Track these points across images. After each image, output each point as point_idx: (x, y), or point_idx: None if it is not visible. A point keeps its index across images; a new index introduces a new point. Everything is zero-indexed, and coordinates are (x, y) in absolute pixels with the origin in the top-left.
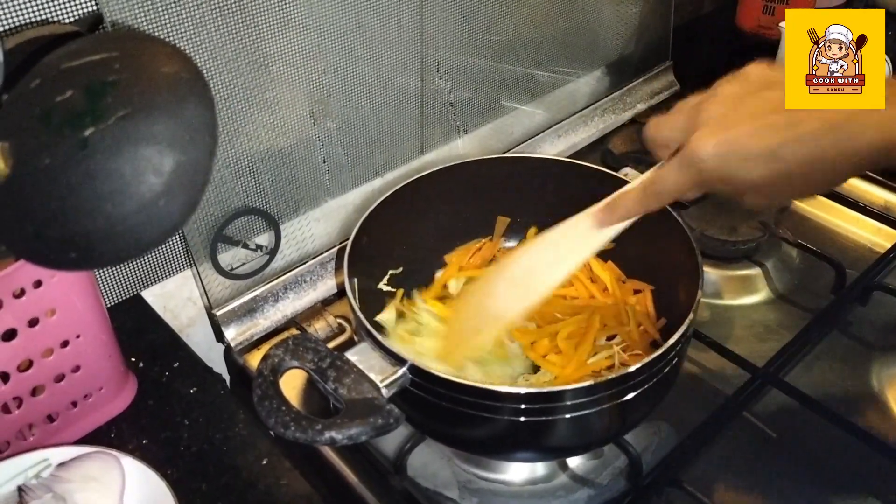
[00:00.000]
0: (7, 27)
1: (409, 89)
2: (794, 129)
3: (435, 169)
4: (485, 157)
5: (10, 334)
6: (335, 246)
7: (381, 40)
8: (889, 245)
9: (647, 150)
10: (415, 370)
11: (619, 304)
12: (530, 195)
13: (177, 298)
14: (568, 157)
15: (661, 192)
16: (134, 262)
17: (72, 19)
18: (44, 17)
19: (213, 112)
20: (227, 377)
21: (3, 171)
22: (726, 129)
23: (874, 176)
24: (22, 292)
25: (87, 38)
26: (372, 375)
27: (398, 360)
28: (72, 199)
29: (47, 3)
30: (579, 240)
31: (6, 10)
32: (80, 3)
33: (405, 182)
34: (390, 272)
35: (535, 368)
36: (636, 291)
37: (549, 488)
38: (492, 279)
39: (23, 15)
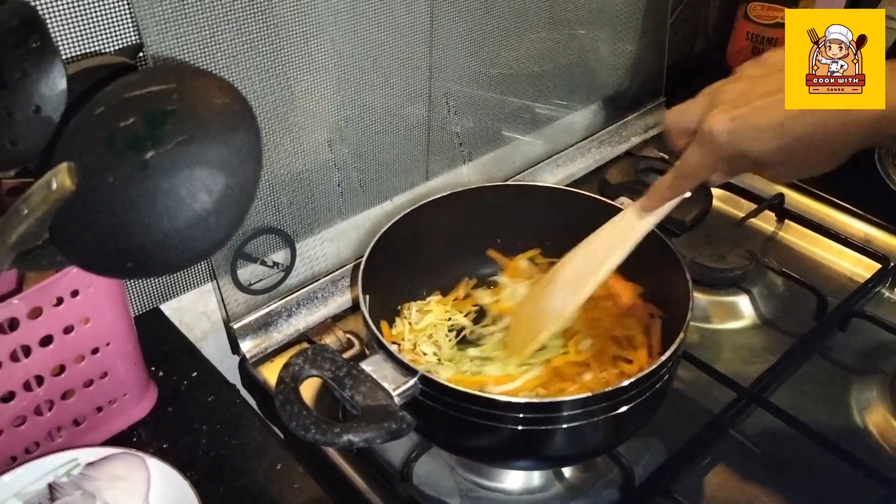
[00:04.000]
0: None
1: (418, 119)
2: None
3: (442, 195)
4: (488, 185)
5: (47, 340)
6: (346, 265)
7: (393, 74)
8: (868, 275)
9: (641, 182)
10: (425, 380)
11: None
12: (530, 221)
13: (192, 313)
14: (566, 186)
15: (687, 173)
16: (157, 277)
17: (114, 50)
18: (89, 48)
19: (258, 139)
20: (239, 388)
21: (69, 187)
22: (739, 106)
23: (855, 210)
24: (60, 301)
25: (146, 71)
26: (385, 384)
27: (409, 370)
28: (132, 214)
29: (92, 35)
30: (624, 232)
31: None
32: (122, 35)
33: (415, 206)
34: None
35: None
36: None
37: (545, 497)
38: (547, 284)
39: (70, 47)
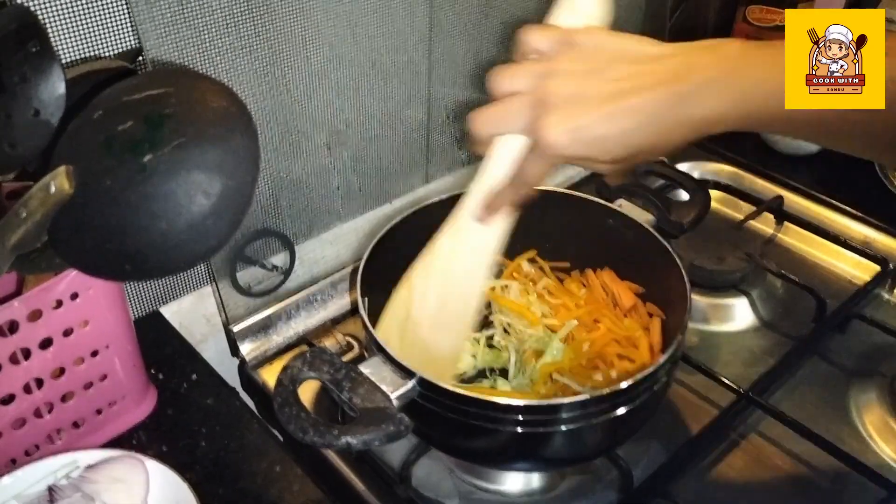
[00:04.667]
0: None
1: (417, 122)
2: (638, 114)
3: (441, 197)
4: None
5: (47, 343)
6: (345, 268)
7: (392, 77)
8: (868, 278)
9: (639, 184)
10: (423, 383)
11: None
12: (529, 224)
13: (192, 315)
14: (565, 189)
15: (529, 181)
16: (155, 280)
17: (113, 54)
18: (88, 53)
19: (256, 142)
20: (239, 390)
21: (67, 190)
22: (577, 115)
23: (855, 212)
24: (59, 304)
25: (144, 75)
26: (384, 387)
27: (408, 373)
28: (130, 216)
29: (91, 39)
30: (477, 251)
31: (54, 47)
32: (121, 40)
33: (414, 209)
34: None
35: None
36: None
37: (544, 499)
38: (419, 325)
39: (70, 51)
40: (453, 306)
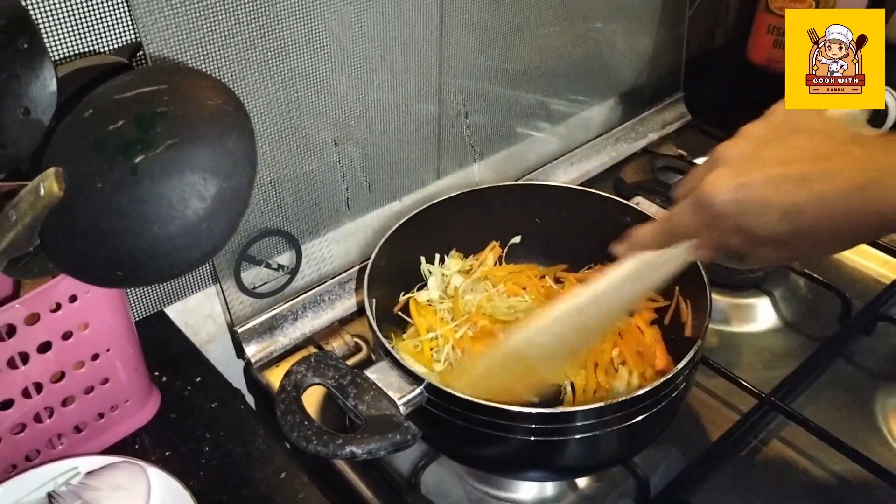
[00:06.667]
0: (54, 58)
1: (428, 116)
2: (818, 185)
3: (452, 194)
4: (500, 184)
5: (46, 347)
6: (353, 266)
7: (402, 70)
8: (895, 277)
9: (657, 181)
10: (431, 389)
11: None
12: (543, 221)
13: (198, 315)
14: (580, 185)
15: (674, 232)
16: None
17: (112, 48)
18: (86, 48)
19: (253, 142)
20: (244, 392)
21: (57, 193)
22: (746, 173)
23: None
24: (58, 307)
25: (136, 72)
26: (391, 393)
27: (416, 379)
28: (121, 220)
29: (89, 34)
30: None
31: (51, 42)
32: (120, 34)
33: (423, 207)
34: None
35: None
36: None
37: None
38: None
39: (67, 46)
40: (575, 340)
